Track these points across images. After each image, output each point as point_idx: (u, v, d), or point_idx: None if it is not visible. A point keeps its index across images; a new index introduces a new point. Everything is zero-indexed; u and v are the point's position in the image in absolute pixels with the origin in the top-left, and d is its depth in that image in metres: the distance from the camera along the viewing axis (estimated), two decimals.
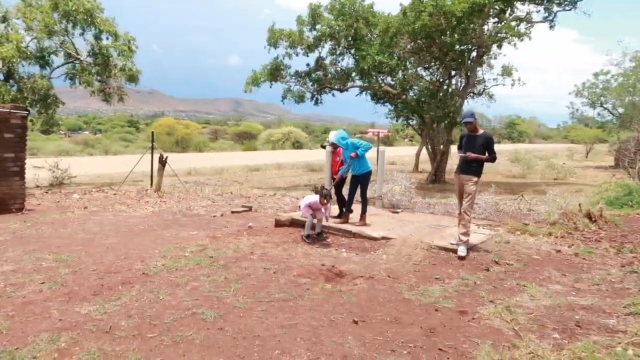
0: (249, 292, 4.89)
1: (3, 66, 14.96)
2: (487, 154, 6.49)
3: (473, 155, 6.43)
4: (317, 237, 7.36)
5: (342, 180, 8.15)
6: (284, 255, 6.49)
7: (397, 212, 9.16)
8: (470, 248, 6.53)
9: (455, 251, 6.42)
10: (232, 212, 10.44)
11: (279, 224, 8.21)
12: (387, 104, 19.73)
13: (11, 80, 16.03)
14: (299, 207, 9.84)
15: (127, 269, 5.66)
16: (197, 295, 4.76)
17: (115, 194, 13.83)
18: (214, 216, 9.96)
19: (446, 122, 18.17)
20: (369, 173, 7.97)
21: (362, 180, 7.89)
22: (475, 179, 6.51)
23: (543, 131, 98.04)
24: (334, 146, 8.30)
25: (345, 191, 8.45)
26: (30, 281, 5.12)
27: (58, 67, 17.31)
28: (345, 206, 8.34)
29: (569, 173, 21.45)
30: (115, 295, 4.74)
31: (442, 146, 19.19)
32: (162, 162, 14.05)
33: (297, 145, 53.83)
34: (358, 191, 7.98)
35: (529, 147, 54.11)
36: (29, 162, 17.22)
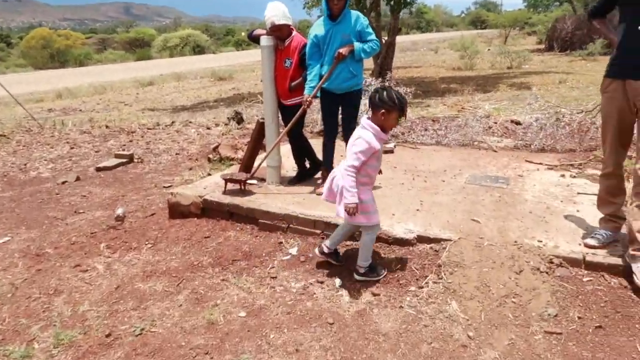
0: None
1: None
2: None
3: None
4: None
5: (304, 110, 3.87)
6: (192, 336, 2.40)
7: (392, 151, 5.23)
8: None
9: (621, 270, 2.67)
10: (98, 168, 5.99)
11: (176, 211, 3.90)
12: None
13: None
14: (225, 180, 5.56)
15: None
16: None
17: None
18: (63, 183, 5.53)
19: None
20: (361, 91, 3.83)
21: (349, 101, 3.78)
22: None
23: (448, 19, 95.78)
24: (280, 32, 3.89)
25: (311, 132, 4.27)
26: None
27: None
28: (309, 157, 4.24)
29: (525, 59, 18.13)
30: None
31: (387, 37, 14.93)
32: None
33: (199, 50, 47.03)
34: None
35: (441, 36, 50.44)
36: None
